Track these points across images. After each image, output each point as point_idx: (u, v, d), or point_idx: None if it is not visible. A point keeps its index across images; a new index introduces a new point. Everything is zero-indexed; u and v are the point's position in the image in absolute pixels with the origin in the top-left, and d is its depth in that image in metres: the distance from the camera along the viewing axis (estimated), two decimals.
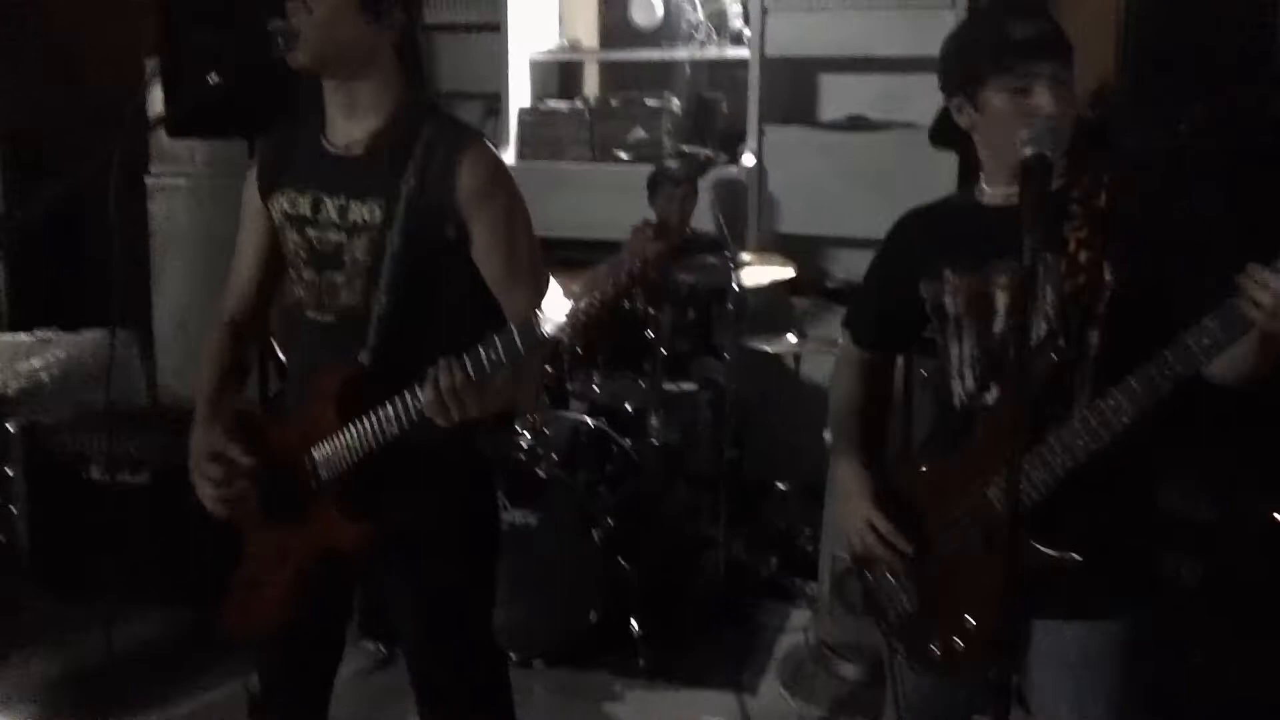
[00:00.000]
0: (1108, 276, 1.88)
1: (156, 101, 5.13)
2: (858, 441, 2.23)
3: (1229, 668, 3.18)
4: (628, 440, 3.98)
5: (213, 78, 2.07)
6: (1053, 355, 1.90)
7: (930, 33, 4.44)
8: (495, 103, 5.29)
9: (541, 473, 3.64)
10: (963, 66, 1.99)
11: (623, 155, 5.06)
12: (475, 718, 2.33)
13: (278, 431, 2.20)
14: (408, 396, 1.96)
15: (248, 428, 2.22)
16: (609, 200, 4.91)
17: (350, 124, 2.12)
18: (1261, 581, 3.30)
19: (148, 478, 3.84)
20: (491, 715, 2.36)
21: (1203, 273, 1.81)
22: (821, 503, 3.79)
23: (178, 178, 5.27)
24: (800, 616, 4.03)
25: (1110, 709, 1.96)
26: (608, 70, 5.70)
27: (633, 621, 3.70)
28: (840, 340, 2.42)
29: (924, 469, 2.13)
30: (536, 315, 1.81)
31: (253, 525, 2.24)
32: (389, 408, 1.99)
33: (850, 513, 2.14)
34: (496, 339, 1.86)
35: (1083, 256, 1.89)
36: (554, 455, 3.73)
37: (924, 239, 2.15)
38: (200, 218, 5.17)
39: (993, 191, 2.03)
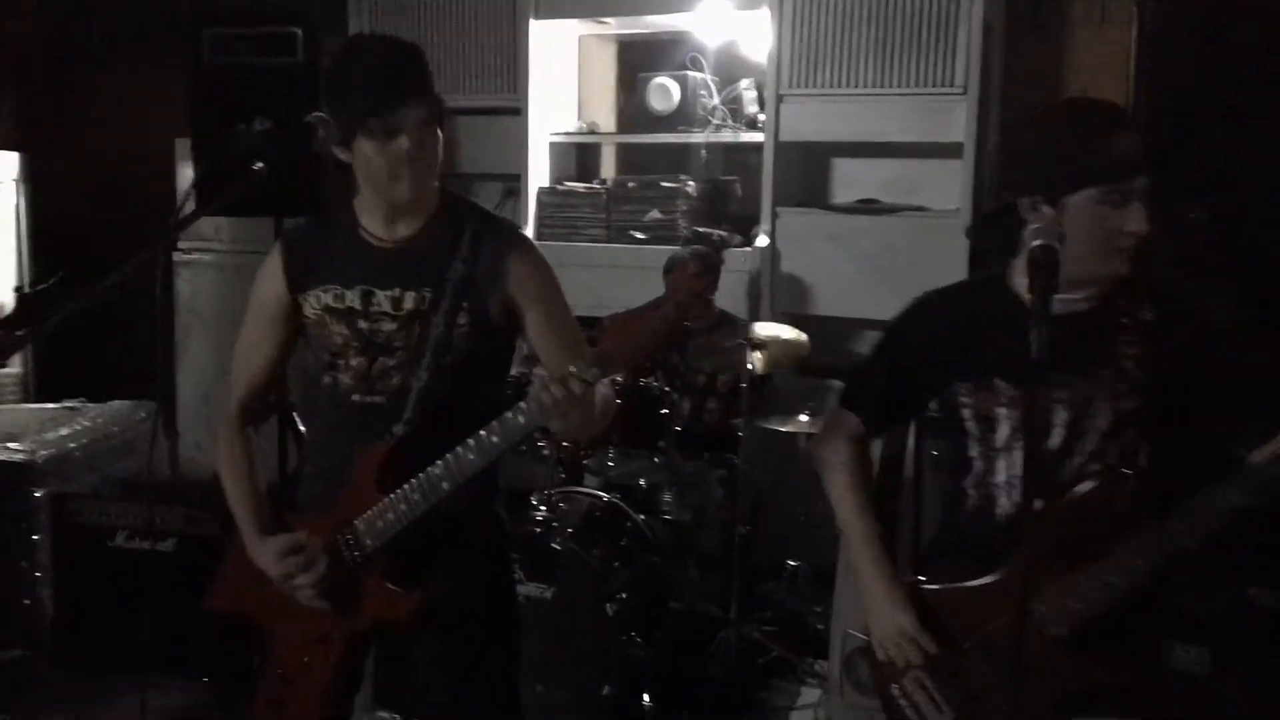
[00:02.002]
0: (1157, 392, 1.91)
1: (186, 178, 5.26)
2: (877, 533, 2.20)
3: None
4: (641, 516, 4.01)
5: (259, 167, 2.15)
6: (1107, 472, 1.93)
7: (941, 121, 4.61)
8: (515, 183, 5.41)
9: (556, 546, 3.67)
10: (1056, 171, 1.95)
11: (638, 235, 5.16)
12: None
13: (310, 515, 2.26)
14: (458, 452, 2.07)
15: (288, 517, 2.29)
16: (623, 279, 5.02)
17: (399, 220, 2.22)
18: (1272, 670, 3.29)
19: (172, 546, 3.91)
20: None
21: (1245, 384, 1.85)
22: (832, 582, 3.81)
23: (204, 253, 5.39)
24: (810, 695, 4.03)
25: None
26: (625, 153, 5.83)
27: (645, 697, 3.70)
28: (832, 420, 2.36)
29: (967, 585, 2.07)
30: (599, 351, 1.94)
31: (284, 616, 2.26)
32: (437, 468, 2.08)
33: (885, 623, 2.10)
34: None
35: (1138, 373, 1.93)
36: (568, 529, 3.76)
37: (956, 331, 2.12)
38: (226, 293, 5.28)
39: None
